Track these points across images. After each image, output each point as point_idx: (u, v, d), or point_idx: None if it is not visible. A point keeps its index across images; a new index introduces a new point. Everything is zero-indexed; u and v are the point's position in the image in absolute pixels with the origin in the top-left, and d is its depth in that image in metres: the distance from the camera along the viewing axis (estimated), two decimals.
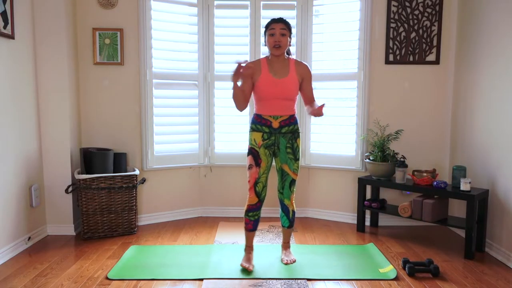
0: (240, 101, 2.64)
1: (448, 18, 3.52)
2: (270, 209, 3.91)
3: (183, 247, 3.08)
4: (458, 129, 3.47)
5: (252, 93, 2.73)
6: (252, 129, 2.72)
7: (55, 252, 2.97)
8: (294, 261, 2.81)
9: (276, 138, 2.69)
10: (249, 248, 2.84)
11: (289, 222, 2.81)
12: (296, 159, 2.72)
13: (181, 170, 3.81)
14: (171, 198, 3.80)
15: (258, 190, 2.71)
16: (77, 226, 3.41)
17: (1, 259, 2.76)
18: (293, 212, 2.81)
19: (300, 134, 2.75)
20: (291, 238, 3.26)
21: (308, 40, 3.71)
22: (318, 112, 2.55)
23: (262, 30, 3.73)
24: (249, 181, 2.70)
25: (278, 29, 2.62)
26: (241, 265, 2.72)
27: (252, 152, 2.70)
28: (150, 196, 3.70)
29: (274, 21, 2.67)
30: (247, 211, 2.75)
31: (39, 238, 3.23)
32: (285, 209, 2.79)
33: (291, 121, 2.70)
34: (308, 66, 2.76)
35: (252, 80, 2.69)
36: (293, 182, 2.75)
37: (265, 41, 2.72)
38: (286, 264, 2.77)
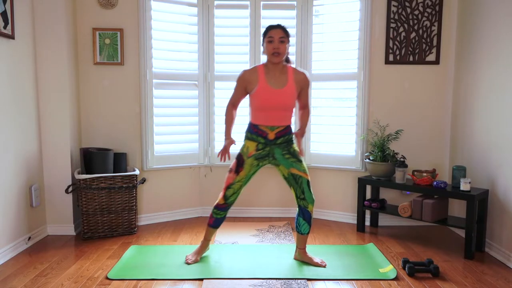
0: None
1: (448, 18, 3.52)
2: (270, 209, 3.92)
3: (183, 247, 3.08)
4: (458, 129, 3.47)
5: (249, 102, 2.69)
6: (247, 138, 2.70)
7: (55, 252, 2.97)
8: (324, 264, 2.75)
9: (271, 149, 2.67)
10: (205, 241, 2.84)
11: (309, 228, 2.74)
12: (300, 161, 2.68)
13: (181, 170, 3.81)
14: (171, 198, 3.80)
15: (227, 194, 2.72)
16: (77, 226, 3.41)
17: (1, 259, 2.76)
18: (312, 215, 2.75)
19: (293, 141, 2.72)
20: (291, 238, 3.28)
21: (308, 40, 3.71)
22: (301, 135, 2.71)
23: (262, 30, 3.74)
24: (224, 182, 2.73)
25: (277, 36, 2.57)
26: (186, 258, 2.78)
27: (238, 159, 2.69)
28: (150, 196, 3.70)
29: (272, 27, 2.61)
30: (215, 207, 2.77)
31: (39, 238, 3.23)
32: (307, 216, 2.69)
33: (287, 131, 2.67)
34: (307, 74, 2.70)
35: (246, 91, 2.66)
36: (309, 183, 2.67)
37: (263, 48, 2.66)
38: (325, 266, 2.70)
